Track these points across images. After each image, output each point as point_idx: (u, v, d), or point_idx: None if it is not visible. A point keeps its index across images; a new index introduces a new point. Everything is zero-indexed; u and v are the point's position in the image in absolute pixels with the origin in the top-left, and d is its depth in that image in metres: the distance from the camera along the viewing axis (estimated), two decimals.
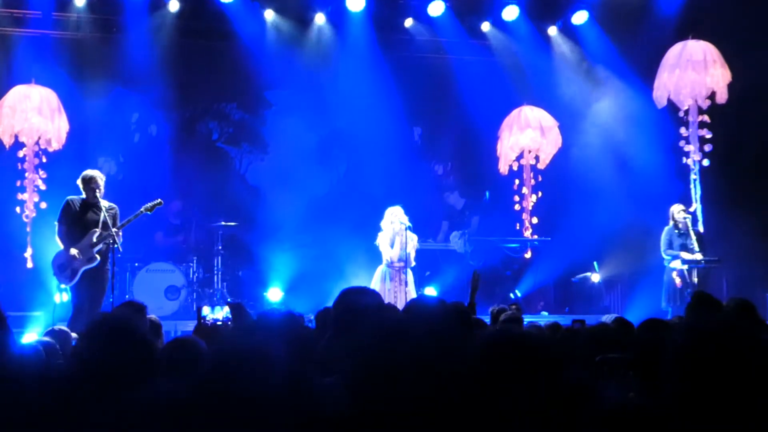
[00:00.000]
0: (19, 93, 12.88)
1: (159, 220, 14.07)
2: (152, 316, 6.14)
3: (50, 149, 13.01)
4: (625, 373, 2.91)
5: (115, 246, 10.18)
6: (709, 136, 13.19)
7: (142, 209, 10.47)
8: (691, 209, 12.95)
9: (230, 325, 5.63)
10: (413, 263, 12.42)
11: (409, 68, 15.82)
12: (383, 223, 12.32)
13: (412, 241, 12.25)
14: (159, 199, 10.67)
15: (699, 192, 13.39)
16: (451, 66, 15.79)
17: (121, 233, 10.33)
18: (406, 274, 12.19)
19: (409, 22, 15.38)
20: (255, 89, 15.90)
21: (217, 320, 6.07)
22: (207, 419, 2.00)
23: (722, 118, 13.27)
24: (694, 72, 13.04)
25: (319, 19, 15.00)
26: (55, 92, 13.11)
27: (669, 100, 13.27)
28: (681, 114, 13.33)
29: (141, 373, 2.64)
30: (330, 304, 5.57)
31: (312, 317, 6.26)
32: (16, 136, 12.89)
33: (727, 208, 13.49)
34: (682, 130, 13.35)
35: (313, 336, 3.68)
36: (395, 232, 12.19)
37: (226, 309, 5.89)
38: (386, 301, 5.86)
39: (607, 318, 5.93)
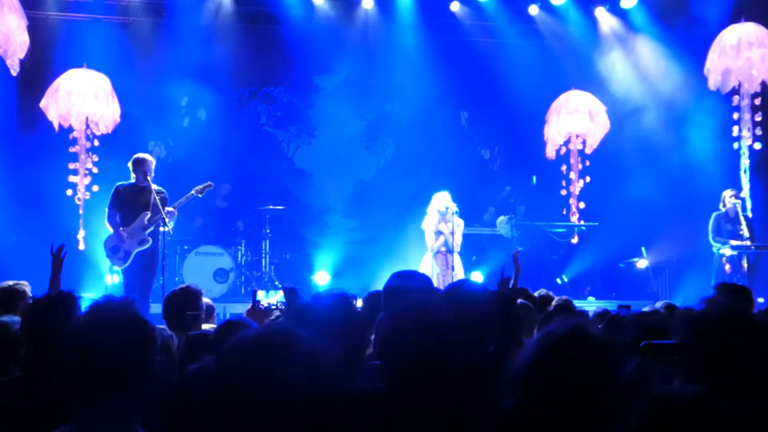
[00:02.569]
0: (74, 77, 12.97)
1: (209, 203, 14.20)
2: (206, 298, 6.24)
3: (98, 133, 13.14)
4: (671, 359, 2.91)
5: (166, 228, 10.33)
6: (758, 118, 13.01)
7: (192, 192, 10.62)
8: (742, 194, 12.80)
9: (284, 310, 5.68)
10: (458, 248, 12.41)
11: (456, 52, 15.81)
12: (429, 209, 12.32)
13: (459, 227, 12.23)
14: (209, 182, 10.81)
15: (749, 176, 13.22)
16: (499, 50, 15.72)
17: (176, 212, 10.48)
18: (453, 259, 12.18)
19: (456, 6, 15.32)
20: (303, 73, 15.99)
21: (273, 305, 6.12)
22: (218, 403, 2.01)
23: None
24: (729, 57, 12.87)
25: (367, 3, 15.00)
26: (105, 76, 13.24)
27: (722, 84, 13.09)
28: (733, 98, 13.16)
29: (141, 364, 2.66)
30: (376, 287, 5.60)
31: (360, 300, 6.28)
32: (70, 120, 13.03)
33: None
34: (735, 115, 13.18)
35: (364, 319, 3.71)
36: (442, 217, 12.18)
37: (280, 293, 5.93)
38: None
39: (659, 305, 5.89)
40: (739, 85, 12.93)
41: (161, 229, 10.35)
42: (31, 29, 12.34)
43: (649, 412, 2.20)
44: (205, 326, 5.75)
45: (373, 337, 4.26)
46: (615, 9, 15.29)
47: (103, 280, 12.16)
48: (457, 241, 12.24)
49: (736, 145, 13.23)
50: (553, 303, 6.96)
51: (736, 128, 13.10)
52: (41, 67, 13.33)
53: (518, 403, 2.56)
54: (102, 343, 2.58)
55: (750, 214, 12.74)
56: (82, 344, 2.61)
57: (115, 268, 10.79)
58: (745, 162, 13.23)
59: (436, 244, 12.27)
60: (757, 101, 12.97)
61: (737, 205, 12.35)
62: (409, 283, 4.28)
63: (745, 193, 13.00)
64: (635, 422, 2.26)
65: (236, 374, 1.95)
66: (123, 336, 2.60)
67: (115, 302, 2.75)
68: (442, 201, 12.18)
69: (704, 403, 2.18)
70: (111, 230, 10.48)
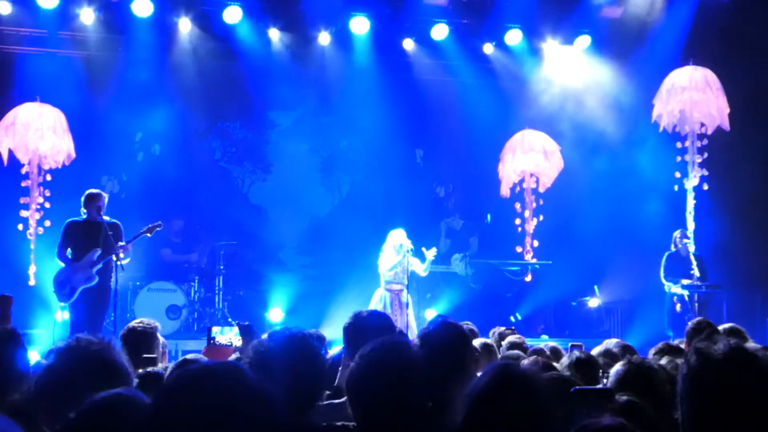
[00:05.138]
0: (31, 111, 12.82)
1: (162, 239, 14.09)
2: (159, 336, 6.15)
3: (52, 167, 13.00)
4: (605, 405, 2.94)
5: (119, 264, 10.22)
6: (699, 159, 13.28)
7: (142, 231, 10.51)
8: (688, 234, 12.99)
9: (241, 347, 5.63)
10: (425, 272, 12.41)
11: (412, 90, 15.90)
12: (385, 246, 12.30)
13: (413, 265, 12.24)
14: (159, 222, 10.72)
15: (693, 216, 13.44)
16: (454, 88, 15.86)
17: (130, 248, 10.37)
18: (405, 297, 12.14)
19: (412, 45, 15.41)
20: (259, 109, 15.99)
21: (229, 343, 6.04)
22: None
23: (721, 143, 13.33)
24: (663, 101, 13.23)
25: (324, 40, 15.05)
26: (60, 111, 13.11)
27: (670, 126, 13.36)
28: (680, 139, 13.43)
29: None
30: (330, 324, 5.59)
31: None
32: (27, 154, 12.87)
33: (727, 234, 13.52)
34: (678, 158, 13.46)
35: (322, 359, 3.68)
36: (397, 255, 12.16)
37: (235, 330, 5.87)
38: None
39: (612, 344, 5.91)
40: (683, 127, 13.25)
41: (121, 262, 10.25)
42: None
43: None
44: None
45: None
46: (570, 50, 15.43)
47: (53, 316, 11.95)
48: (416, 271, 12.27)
49: (676, 187, 13.46)
50: (504, 343, 6.95)
51: (690, 169, 13.34)
52: None
53: None
54: (77, 390, 2.50)
55: (696, 253, 12.89)
56: (56, 389, 2.53)
57: (61, 304, 10.63)
58: (690, 202, 13.45)
59: (388, 275, 12.20)
60: (701, 143, 13.25)
61: (688, 245, 12.52)
62: (369, 323, 4.29)
63: (690, 233, 13.18)
64: None
65: (175, 410, 1.91)
66: (99, 383, 2.50)
67: (89, 345, 2.62)
68: (397, 238, 12.18)
69: (623, 428, 2.27)
70: (62, 265, 10.36)
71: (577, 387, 2.91)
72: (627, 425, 2.31)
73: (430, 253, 12.20)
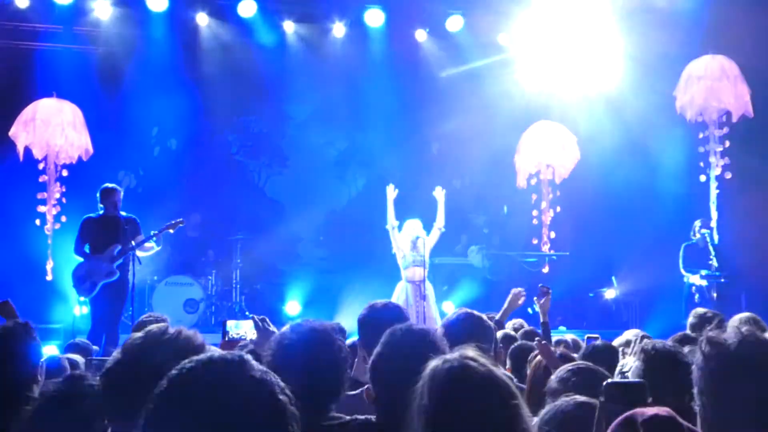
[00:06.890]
0: (50, 106, 12.84)
1: (177, 233, 14.12)
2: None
3: (70, 162, 13.05)
4: (635, 398, 2.89)
5: (149, 252, 10.36)
6: (720, 148, 13.17)
7: (164, 228, 10.53)
8: (711, 224, 12.92)
9: (254, 340, 5.61)
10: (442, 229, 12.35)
11: (428, 82, 15.84)
12: (401, 234, 12.28)
13: (430, 244, 12.17)
14: (181, 219, 10.78)
15: (716, 206, 13.34)
16: (470, 80, 15.77)
17: (161, 239, 10.43)
18: (425, 288, 12.09)
19: (427, 37, 15.37)
20: (275, 102, 15.98)
21: (242, 336, 6.03)
22: None
23: (743, 132, 13.21)
24: (679, 90, 13.14)
25: (338, 32, 15.02)
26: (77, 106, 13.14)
27: (694, 116, 13.26)
28: (701, 129, 13.32)
29: None
30: (347, 317, 5.58)
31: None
32: (45, 149, 12.91)
33: (747, 223, 13.42)
34: (701, 148, 13.34)
35: (342, 351, 3.65)
36: (413, 244, 12.13)
37: (250, 323, 5.86)
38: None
39: (632, 335, 5.87)
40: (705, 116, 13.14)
41: (148, 250, 10.33)
42: None
43: (619, 427, 2.25)
44: None
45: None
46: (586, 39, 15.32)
47: (72, 311, 12.02)
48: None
49: (703, 177, 13.34)
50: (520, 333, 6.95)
51: (705, 158, 13.25)
52: (6, 95, 13.26)
53: None
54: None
55: (717, 243, 12.81)
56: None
57: (81, 298, 10.66)
58: (713, 192, 13.35)
59: (402, 259, 12.15)
60: (720, 132, 13.13)
61: (706, 235, 12.45)
62: (384, 314, 4.28)
63: (714, 223, 13.10)
64: None
65: (177, 403, 1.89)
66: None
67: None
68: (413, 228, 12.16)
69: (672, 419, 2.23)
70: (81, 259, 10.39)
71: (611, 381, 2.87)
72: (676, 417, 2.27)
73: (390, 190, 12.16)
